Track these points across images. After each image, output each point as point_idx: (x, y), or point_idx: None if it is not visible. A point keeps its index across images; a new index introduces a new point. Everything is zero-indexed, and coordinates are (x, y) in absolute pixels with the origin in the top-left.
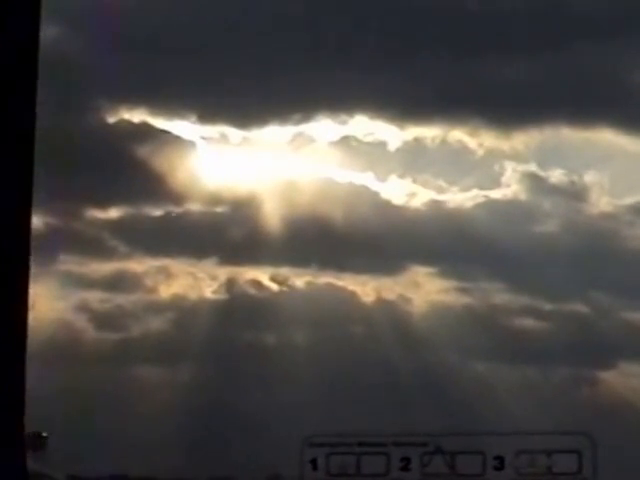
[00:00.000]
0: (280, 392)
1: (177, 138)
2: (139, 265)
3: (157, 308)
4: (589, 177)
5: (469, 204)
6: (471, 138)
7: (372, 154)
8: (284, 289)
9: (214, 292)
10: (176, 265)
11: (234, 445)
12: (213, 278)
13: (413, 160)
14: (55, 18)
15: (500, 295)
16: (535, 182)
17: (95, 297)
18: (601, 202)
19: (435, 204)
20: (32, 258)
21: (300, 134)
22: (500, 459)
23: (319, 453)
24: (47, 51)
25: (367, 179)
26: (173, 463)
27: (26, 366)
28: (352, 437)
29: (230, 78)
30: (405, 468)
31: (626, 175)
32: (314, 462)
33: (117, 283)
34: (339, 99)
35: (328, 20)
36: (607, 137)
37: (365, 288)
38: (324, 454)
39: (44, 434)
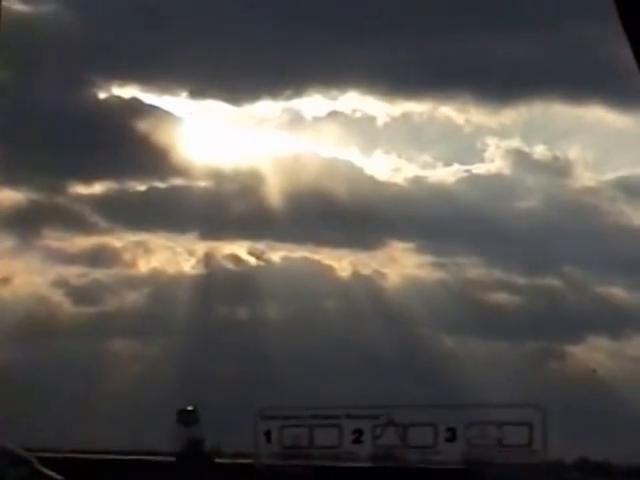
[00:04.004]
0: (253, 365)
1: (167, 113)
2: (118, 240)
3: (135, 283)
4: (573, 153)
5: (452, 179)
6: (459, 114)
7: (360, 129)
8: (261, 263)
9: (192, 267)
10: (155, 240)
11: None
12: (192, 253)
13: (400, 135)
14: None
15: (475, 270)
16: (519, 158)
17: (73, 272)
18: (584, 177)
19: (418, 179)
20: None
21: (290, 109)
22: (452, 431)
23: (272, 425)
24: (41, 26)
25: (352, 154)
26: (146, 437)
27: None
28: (305, 410)
29: (222, 54)
30: (357, 440)
31: (611, 151)
32: (268, 434)
33: (96, 258)
34: (331, 75)
35: None
36: (597, 113)
37: (341, 263)
38: (277, 427)
39: (190, 408)
